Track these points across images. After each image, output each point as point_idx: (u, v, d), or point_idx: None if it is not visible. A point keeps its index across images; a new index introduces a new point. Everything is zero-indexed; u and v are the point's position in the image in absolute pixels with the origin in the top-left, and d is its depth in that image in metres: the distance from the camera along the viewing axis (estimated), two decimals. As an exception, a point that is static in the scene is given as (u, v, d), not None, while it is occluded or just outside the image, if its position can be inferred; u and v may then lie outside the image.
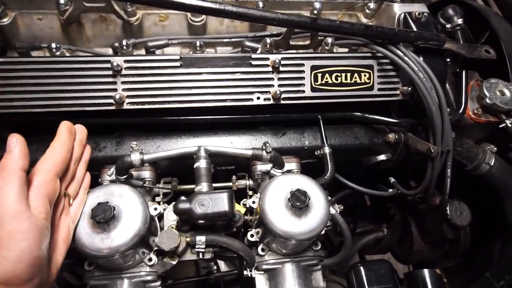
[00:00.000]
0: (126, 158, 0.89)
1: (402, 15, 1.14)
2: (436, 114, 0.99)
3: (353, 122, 1.14)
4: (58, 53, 1.01)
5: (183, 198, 0.82)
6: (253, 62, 1.00)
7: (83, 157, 0.86)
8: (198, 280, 1.17)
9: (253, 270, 0.93)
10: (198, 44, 1.09)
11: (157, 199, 0.99)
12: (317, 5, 0.96)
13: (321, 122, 1.08)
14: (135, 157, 0.88)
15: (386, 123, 1.13)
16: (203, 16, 1.17)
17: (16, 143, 0.64)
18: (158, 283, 0.91)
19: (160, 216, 0.94)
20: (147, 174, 0.98)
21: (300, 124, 1.10)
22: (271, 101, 1.00)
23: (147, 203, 0.88)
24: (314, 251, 0.97)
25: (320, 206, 0.88)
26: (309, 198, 0.84)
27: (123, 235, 0.79)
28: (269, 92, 1.00)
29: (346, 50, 1.19)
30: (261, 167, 1.00)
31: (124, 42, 1.02)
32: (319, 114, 1.08)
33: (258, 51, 1.10)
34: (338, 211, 1.02)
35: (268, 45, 1.06)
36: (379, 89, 1.06)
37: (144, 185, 0.95)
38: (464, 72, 1.17)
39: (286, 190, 0.87)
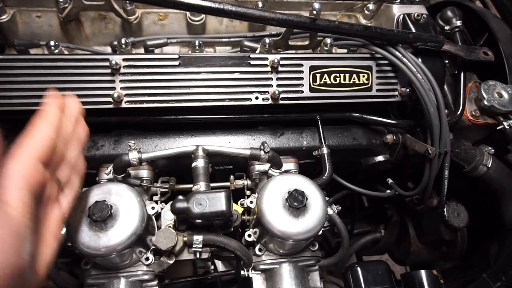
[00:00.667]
0: (123, 157, 0.89)
1: (401, 16, 1.14)
2: (434, 116, 0.99)
3: (351, 123, 1.14)
4: (56, 51, 1.01)
5: (180, 197, 0.83)
6: (252, 62, 1.00)
7: (76, 135, 0.70)
8: (195, 280, 1.17)
9: (250, 270, 0.93)
10: (197, 43, 1.09)
11: (155, 198, 0.99)
12: (316, 5, 0.96)
13: (319, 122, 1.08)
14: (132, 156, 0.88)
15: (384, 124, 1.13)
16: (202, 16, 1.17)
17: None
18: (155, 282, 0.91)
19: (158, 215, 0.94)
20: (145, 173, 0.98)
21: (299, 124, 1.10)
22: (270, 101, 1.00)
23: (144, 202, 0.87)
24: (312, 252, 0.98)
25: (317, 207, 0.88)
26: (307, 198, 0.84)
27: (120, 234, 0.79)
28: (267, 92, 1.00)
29: (345, 50, 1.19)
30: (259, 167, 1.00)
31: (123, 41, 1.02)
32: (317, 114, 1.08)
33: (257, 51, 1.09)
34: (336, 212, 1.03)
35: (267, 45, 1.06)
36: (377, 90, 1.06)
37: (142, 184, 0.94)
38: (462, 73, 1.17)
39: (283, 190, 0.87)
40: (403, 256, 1.55)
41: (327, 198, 0.99)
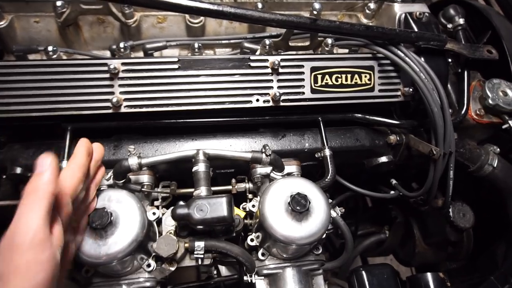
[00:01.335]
0: (123, 163, 0.87)
1: (403, 15, 1.13)
2: (438, 116, 0.98)
3: (354, 124, 1.12)
4: (55, 56, 1.00)
5: (181, 203, 0.81)
6: (252, 64, 0.99)
7: (96, 178, 0.80)
8: (198, 285, 1.15)
9: (253, 275, 0.92)
10: (196, 46, 1.07)
11: (156, 203, 0.98)
12: (317, 5, 0.95)
13: (321, 124, 1.06)
14: (132, 162, 0.87)
15: (387, 125, 1.12)
16: (202, 18, 1.16)
17: (49, 164, 0.60)
18: (157, 289, 0.90)
19: (159, 221, 0.93)
20: (145, 178, 0.97)
21: (300, 126, 1.09)
22: (271, 103, 0.99)
23: (145, 208, 0.86)
24: (315, 255, 0.96)
25: (320, 210, 0.86)
26: (310, 202, 0.83)
27: (120, 241, 0.78)
28: (268, 94, 0.99)
29: (347, 50, 1.17)
30: (261, 170, 0.98)
31: (121, 45, 1.01)
32: (319, 115, 1.07)
33: (257, 53, 1.08)
34: (339, 214, 1.01)
35: (267, 47, 1.05)
36: (380, 90, 1.05)
37: (142, 189, 0.93)
38: (466, 72, 1.15)
39: (286, 194, 0.86)
40: (408, 257, 1.53)
41: (330, 201, 0.98)
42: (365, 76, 1.04)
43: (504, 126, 1.12)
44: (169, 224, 0.91)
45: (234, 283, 1.09)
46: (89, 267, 0.86)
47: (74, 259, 0.76)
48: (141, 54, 1.13)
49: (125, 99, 0.93)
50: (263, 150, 0.92)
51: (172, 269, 0.87)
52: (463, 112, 1.12)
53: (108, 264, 0.78)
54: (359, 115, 1.09)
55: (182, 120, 1.01)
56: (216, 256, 0.88)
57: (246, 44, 1.12)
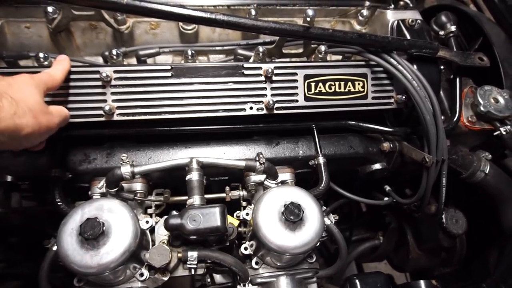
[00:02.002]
0: (116, 171, 0.87)
1: (395, 22, 1.13)
2: (431, 123, 0.98)
3: (347, 131, 1.12)
4: (46, 62, 0.99)
5: (174, 213, 0.81)
6: (246, 72, 0.98)
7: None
8: (192, 293, 1.14)
9: (247, 284, 0.91)
10: (189, 53, 1.07)
11: (149, 211, 0.97)
12: (310, 12, 0.95)
13: (315, 131, 1.06)
14: (125, 170, 0.86)
15: (381, 132, 1.12)
16: (195, 24, 1.16)
17: (64, 61, 0.88)
18: (150, 298, 0.89)
19: (152, 229, 0.92)
20: (138, 186, 0.96)
21: (294, 133, 1.09)
22: (264, 111, 0.99)
23: (137, 218, 0.85)
24: (309, 264, 0.96)
25: (314, 219, 0.86)
26: (303, 211, 0.83)
27: (113, 251, 0.77)
28: (262, 102, 0.99)
29: (340, 57, 1.18)
30: (254, 178, 0.98)
31: (114, 52, 1.00)
32: (313, 123, 1.07)
33: (251, 60, 1.08)
34: (333, 222, 1.01)
35: (260, 54, 1.05)
36: (373, 98, 1.05)
37: (135, 198, 0.92)
38: (458, 79, 1.16)
39: (279, 203, 0.86)
40: (402, 263, 1.54)
41: (324, 208, 0.98)
42: (359, 84, 1.04)
43: (495, 133, 1.13)
44: (162, 233, 0.90)
45: (228, 291, 1.09)
46: (81, 276, 0.85)
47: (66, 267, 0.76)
48: (134, 60, 1.12)
49: (118, 107, 0.93)
50: (257, 158, 0.92)
51: (165, 278, 0.86)
52: (455, 119, 1.12)
53: (100, 275, 0.77)
54: (353, 122, 1.09)
55: (175, 128, 1.00)
56: (210, 265, 0.87)
57: (240, 51, 1.12)
